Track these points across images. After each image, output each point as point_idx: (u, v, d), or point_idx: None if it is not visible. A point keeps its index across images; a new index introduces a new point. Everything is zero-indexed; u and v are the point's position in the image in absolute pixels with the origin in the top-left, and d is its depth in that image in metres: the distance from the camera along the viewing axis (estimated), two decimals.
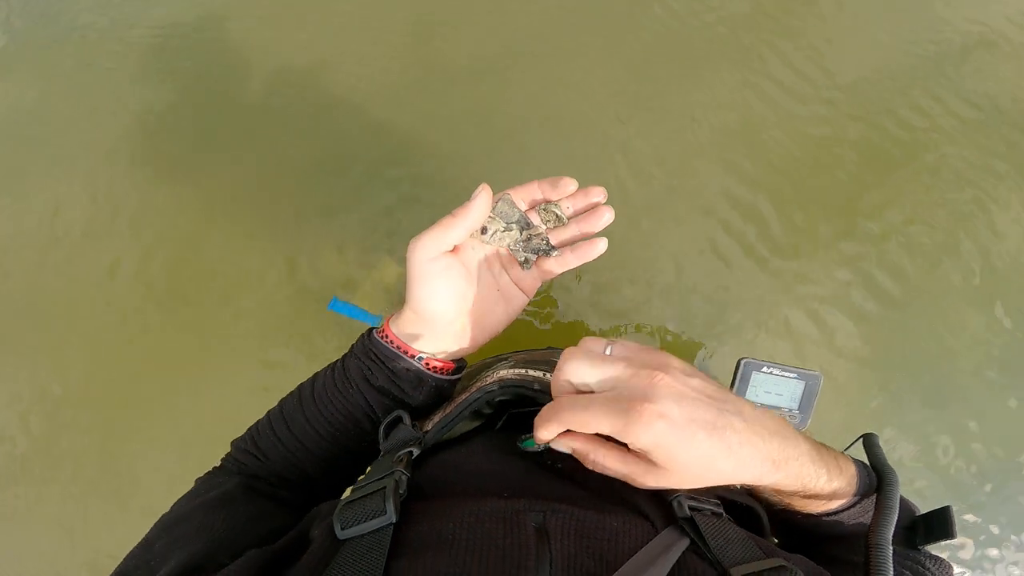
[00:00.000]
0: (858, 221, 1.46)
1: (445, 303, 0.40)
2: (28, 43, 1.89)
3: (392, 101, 1.68)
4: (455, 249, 0.40)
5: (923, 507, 0.39)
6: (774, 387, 0.46)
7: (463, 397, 0.40)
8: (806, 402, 0.46)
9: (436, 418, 0.41)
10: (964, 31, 1.64)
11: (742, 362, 0.50)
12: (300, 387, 0.46)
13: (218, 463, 0.47)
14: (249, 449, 0.45)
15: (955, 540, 0.36)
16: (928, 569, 0.36)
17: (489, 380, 0.41)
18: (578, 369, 0.32)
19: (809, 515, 0.38)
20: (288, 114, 1.69)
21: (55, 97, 1.79)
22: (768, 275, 1.43)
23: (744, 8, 1.69)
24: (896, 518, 0.32)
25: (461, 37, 1.73)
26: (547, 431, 0.33)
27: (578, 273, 1.46)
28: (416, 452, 0.36)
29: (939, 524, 0.35)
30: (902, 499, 0.36)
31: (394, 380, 0.42)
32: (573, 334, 1.43)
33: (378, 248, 1.53)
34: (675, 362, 0.32)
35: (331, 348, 1.44)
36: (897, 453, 1.32)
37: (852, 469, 0.38)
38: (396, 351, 0.42)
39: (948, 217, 1.46)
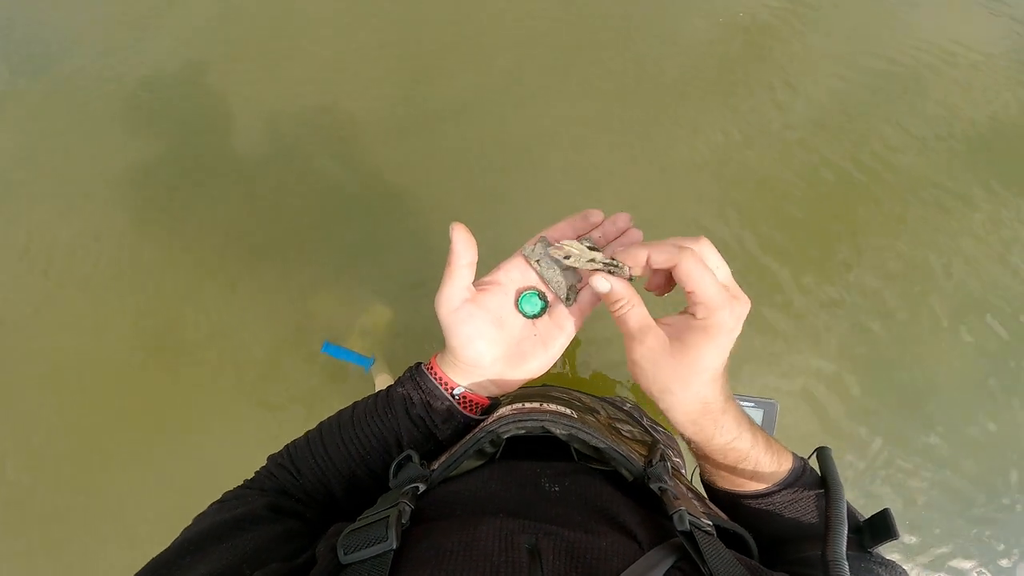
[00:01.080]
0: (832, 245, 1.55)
1: (479, 348, 0.43)
2: (17, 92, 1.94)
3: (378, 144, 1.75)
4: (474, 297, 0.43)
5: None
6: None
7: (468, 437, 0.42)
8: (766, 428, 0.49)
9: (443, 458, 0.43)
10: (914, 60, 1.80)
11: None
12: (339, 412, 0.49)
13: (250, 475, 0.48)
14: (284, 463, 0.47)
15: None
16: (878, 574, 0.38)
17: (490, 420, 0.43)
18: (712, 254, 0.38)
19: (747, 498, 0.42)
20: (273, 163, 1.75)
21: (42, 146, 1.82)
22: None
23: (712, 60, 1.83)
24: (846, 531, 0.35)
25: (446, 83, 1.83)
26: (654, 251, 0.38)
27: None
28: (422, 488, 0.38)
29: (882, 526, 0.39)
30: (848, 508, 0.39)
31: (429, 412, 0.45)
32: (562, 375, 1.46)
33: (367, 293, 1.56)
34: None
35: (323, 393, 1.45)
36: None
37: (789, 463, 0.42)
38: (437, 384, 0.45)
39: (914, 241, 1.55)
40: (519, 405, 0.45)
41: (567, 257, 0.41)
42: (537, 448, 0.43)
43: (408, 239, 1.61)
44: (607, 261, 0.40)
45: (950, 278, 1.52)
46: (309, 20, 1.99)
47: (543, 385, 0.65)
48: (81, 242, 1.65)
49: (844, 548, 0.33)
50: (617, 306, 0.40)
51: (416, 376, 0.46)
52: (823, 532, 0.35)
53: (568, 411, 0.43)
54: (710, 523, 0.35)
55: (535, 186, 1.67)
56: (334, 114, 1.81)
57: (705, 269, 0.37)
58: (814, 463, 0.44)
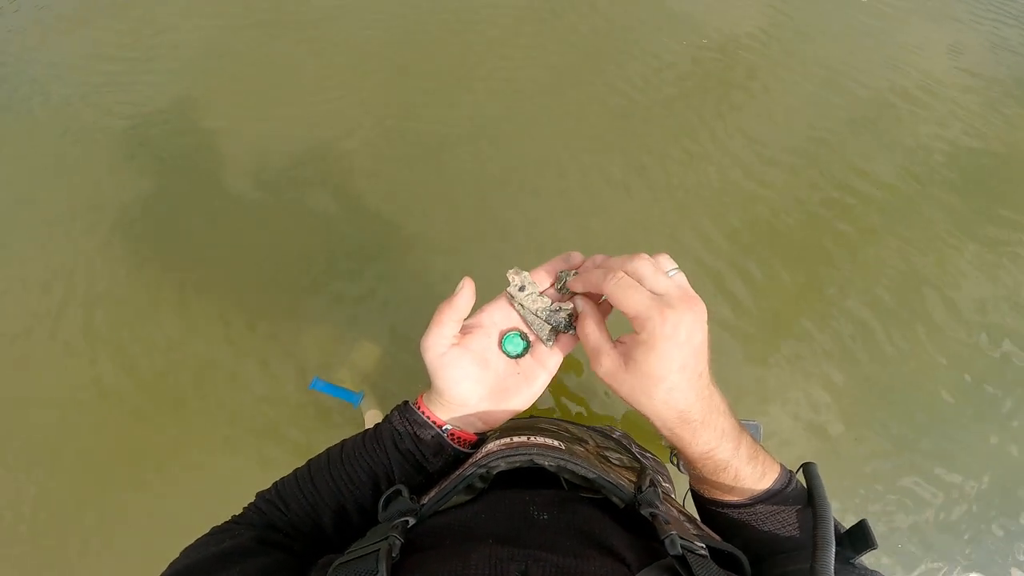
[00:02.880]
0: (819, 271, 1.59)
1: (465, 389, 0.44)
2: (5, 127, 1.95)
3: (368, 178, 1.78)
4: (460, 341, 0.45)
5: None
6: None
7: (457, 472, 0.43)
8: None
9: (432, 492, 0.43)
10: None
11: None
12: (328, 449, 0.50)
13: (239, 511, 0.48)
14: (272, 499, 0.47)
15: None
16: None
17: (479, 455, 0.44)
18: (647, 268, 0.40)
19: (726, 507, 0.43)
20: (261, 198, 1.77)
21: (32, 181, 1.83)
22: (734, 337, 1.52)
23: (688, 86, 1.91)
24: (833, 550, 0.36)
25: (430, 120, 1.89)
26: (592, 279, 0.41)
27: None
28: (412, 522, 0.38)
29: (861, 537, 0.40)
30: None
31: (418, 445, 0.46)
32: (546, 403, 1.46)
33: (355, 331, 1.56)
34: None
35: (312, 432, 1.43)
36: None
37: (776, 469, 0.44)
38: (426, 420, 0.46)
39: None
40: (507, 440, 0.46)
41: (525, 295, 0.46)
42: (527, 476, 0.43)
43: (401, 274, 1.63)
44: (563, 320, 0.45)
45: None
46: (295, 56, 2.06)
47: (531, 417, 0.66)
48: (58, 276, 1.64)
49: (832, 566, 0.34)
50: (581, 317, 0.44)
51: (404, 412, 0.47)
52: (811, 550, 0.36)
53: (556, 443, 0.44)
54: (703, 545, 0.35)
55: (524, 215, 1.71)
56: (322, 149, 1.85)
57: (628, 287, 0.39)
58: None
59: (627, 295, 0.39)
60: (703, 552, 0.35)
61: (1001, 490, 1.38)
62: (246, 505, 0.49)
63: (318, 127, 1.89)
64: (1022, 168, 1.84)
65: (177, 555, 0.42)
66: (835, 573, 0.34)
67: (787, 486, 0.43)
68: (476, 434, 0.48)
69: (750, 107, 1.93)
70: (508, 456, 0.42)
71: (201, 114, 1.94)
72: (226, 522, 0.47)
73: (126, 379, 1.50)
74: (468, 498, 0.42)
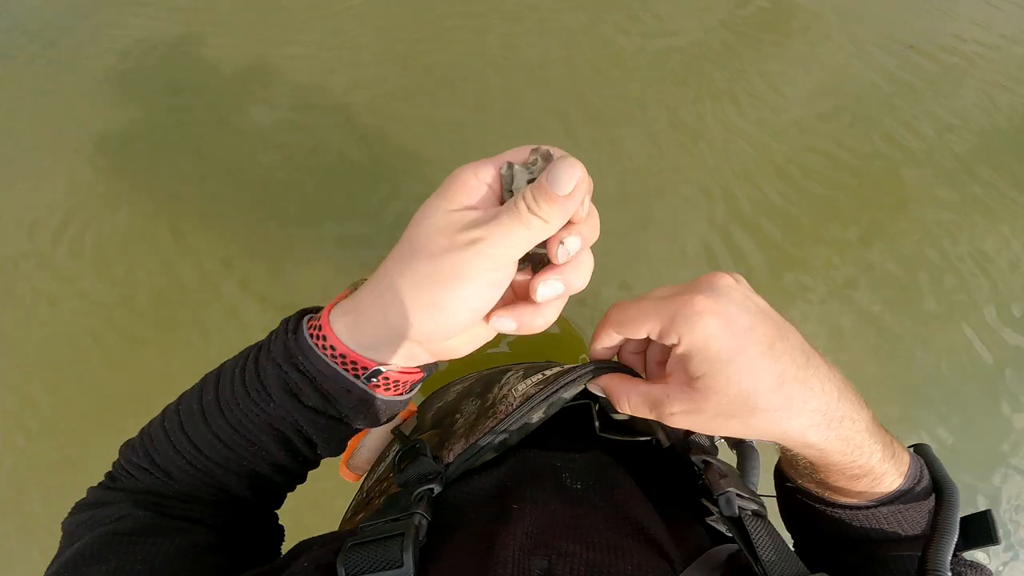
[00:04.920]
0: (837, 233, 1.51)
1: (465, 318, 0.28)
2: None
3: (370, 114, 1.65)
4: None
5: None
6: None
7: (490, 424, 0.36)
8: None
9: (457, 448, 0.37)
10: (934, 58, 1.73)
11: None
12: (203, 382, 0.35)
13: (109, 469, 0.37)
14: (144, 465, 0.35)
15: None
16: None
17: (513, 399, 0.37)
18: (627, 308, 0.31)
19: (838, 508, 0.34)
20: (263, 130, 1.64)
21: (18, 113, 1.70)
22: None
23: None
24: (955, 539, 0.30)
25: (439, 51, 1.73)
26: (600, 340, 0.32)
27: None
28: (437, 490, 0.33)
29: (980, 530, 0.32)
30: None
31: (328, 399, 0.32)
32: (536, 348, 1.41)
33: (355, 263, 1.50)
34: (742, 281, 0.30)
35: None
36: None
37: (907, 459, 0.33)
38: (335, 367, 0.30)
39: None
40: (537, 376, 0.39)
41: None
42: (549, 423, 0.37)
43: (408, 207, 1.53)
44: (541, 251, 0.29)
45: None
46: None
47: (546, 361, 0.60)
48: (57, 214, 1.55)
49: (949, 558, 0.29)
50: (618, 404, 0.33)
51: (295, 350, 0.31)
52: (930, 535, 0.30)
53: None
54: (758, 503, 0.31)
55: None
56: (331, 82, 1.70)
57: (629, 306, 0.30)
58: None
59: (631, 315, 0.30)
60: (760, 510, 0.30)
61: None
62: (115, 461, 0.37)
63: (326, 58, 1.73)
64: None
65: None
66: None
67: (918, 483, 0.33)
68: (422, 368, 0.33)
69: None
70: (558, 389, 0.35)
71: (201, 49, 1.77)
72: (101, 486, 0.36)
73: (122, 312, 1.44)
74: (493, 455, 0.37)
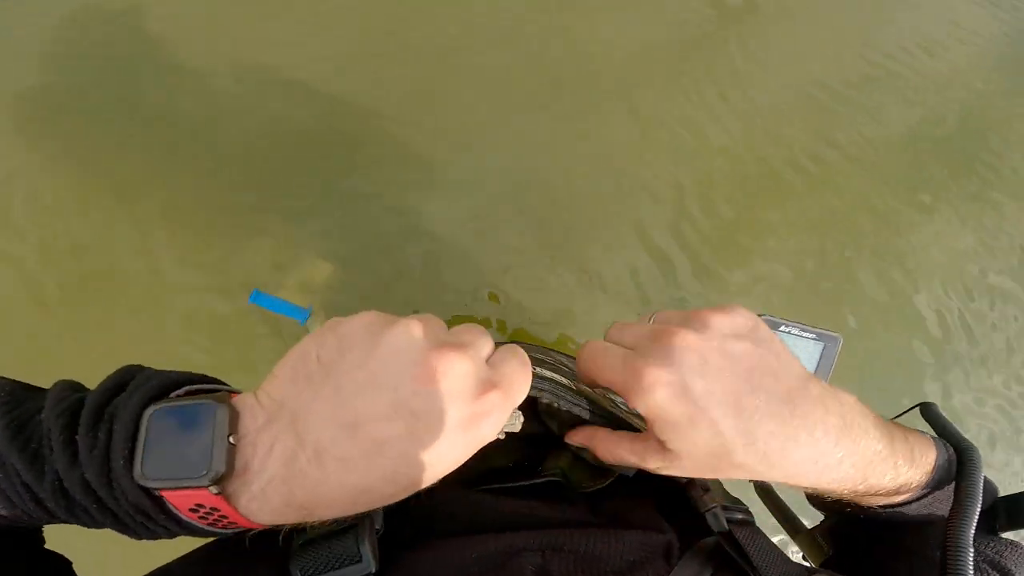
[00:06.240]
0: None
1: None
2: None
3: (326, 85, 1.58)
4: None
5: None
6: (790, 348, 0.36)
7: None
8: (823, 367, 0.40)
9: None
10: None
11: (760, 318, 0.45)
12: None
13: None
14: None
15: None
16: (1005, 558, 0.30)
17: None
18: (595, 356, 0.29)
19: (863, 508, 0.33)
20: (213, 100, 1.54)
21: None
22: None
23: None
24: (979, 510, 0.27)
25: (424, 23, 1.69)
26: (579, 372, 0.31)
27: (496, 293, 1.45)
28: None
29: (1021, 509, 0.31)
30: (984, 480, 0.31)
31: (118, 518, 0.24)
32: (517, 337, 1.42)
33: (306, 247, 1.43)
34: (723, 320, 0.27)
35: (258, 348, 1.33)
36: None
37: (932, 457, 0.31)
38: (189, 520, 0.23)
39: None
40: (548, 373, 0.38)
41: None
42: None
43: (363, 187, 1.48)
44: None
45: None
46: None
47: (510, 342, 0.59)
48: None
49: (972, 532, 0.26)
50: (599, 453, 0.32)
51: (128, 493, 0.22)
52: (952, 506, 0.28)
53: (561, 379, 0.37)
54: (743, 509, 0.30)
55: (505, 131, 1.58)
56: (292, 51, 1.61)
57: (597, 355, 0.29)
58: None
59: (597, 364, 0.28)
60: (746, 517, 0.30)
61: None
62: None
63: (290, 29, 1.64)
64: None
65: None
66: (974, 543, 0.26)
67: (947, 471, 0.32)
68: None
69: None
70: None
71: (150, 19, 1.63)
72: None
73: (53, 286, 1.33)
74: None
